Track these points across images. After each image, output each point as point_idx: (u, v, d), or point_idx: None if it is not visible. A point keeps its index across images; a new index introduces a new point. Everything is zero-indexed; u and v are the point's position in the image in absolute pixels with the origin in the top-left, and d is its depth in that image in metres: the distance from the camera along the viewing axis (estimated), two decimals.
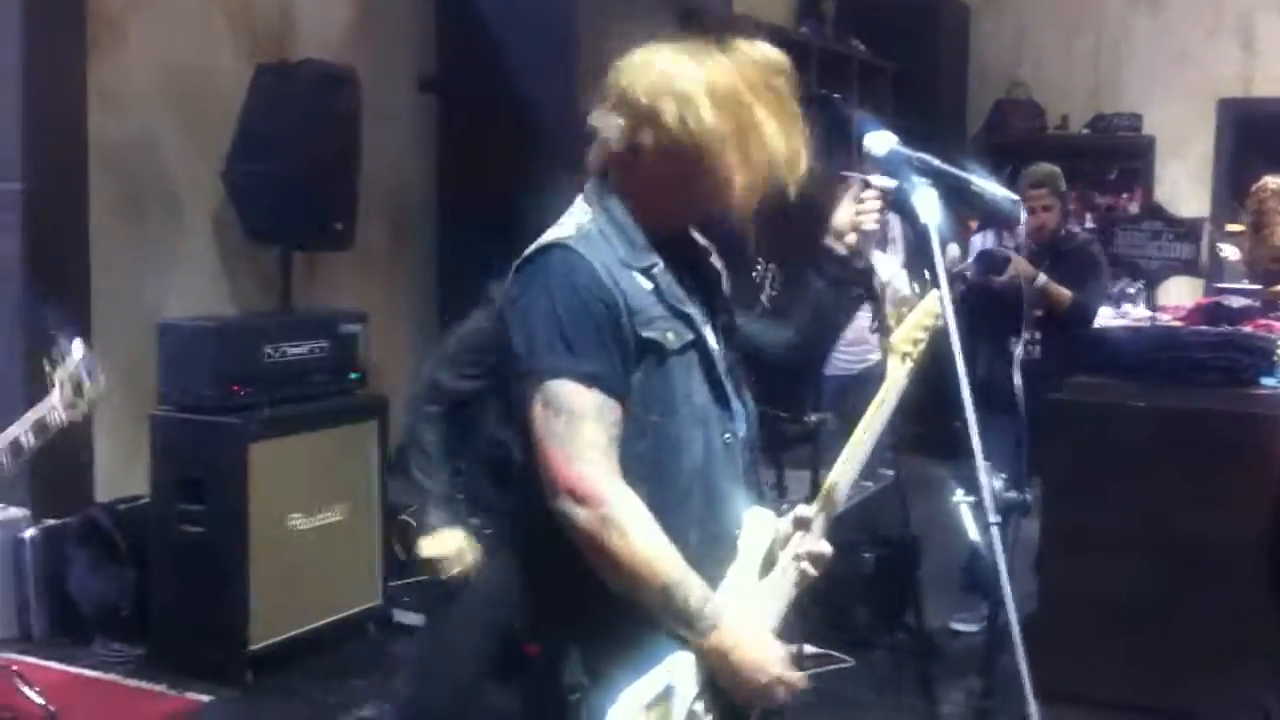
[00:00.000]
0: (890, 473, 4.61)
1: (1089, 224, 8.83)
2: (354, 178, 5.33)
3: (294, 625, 4.50)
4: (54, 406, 2.27)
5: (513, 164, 6.14)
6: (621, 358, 1.98)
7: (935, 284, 2.12)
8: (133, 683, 4.34)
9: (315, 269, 5.68)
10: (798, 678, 2.01)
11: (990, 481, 1.95)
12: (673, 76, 2.00)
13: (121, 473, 4.85)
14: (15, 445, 2.19)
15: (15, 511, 4.57)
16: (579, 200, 2.13)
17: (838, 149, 3.05)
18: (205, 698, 4.22)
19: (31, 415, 2.23)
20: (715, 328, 2.14)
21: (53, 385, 2.29)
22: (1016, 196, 2.41)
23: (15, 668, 3.99)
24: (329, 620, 4.64)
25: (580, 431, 1.94)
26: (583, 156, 2.17)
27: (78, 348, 2.39)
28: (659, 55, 2.04)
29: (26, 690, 3.90)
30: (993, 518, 1.92)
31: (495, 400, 3.12)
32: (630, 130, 2.03)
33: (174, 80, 5.23)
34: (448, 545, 3.16)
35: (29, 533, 4.60)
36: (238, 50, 5.44)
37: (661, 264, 2.07)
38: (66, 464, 4.68)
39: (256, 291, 5.46)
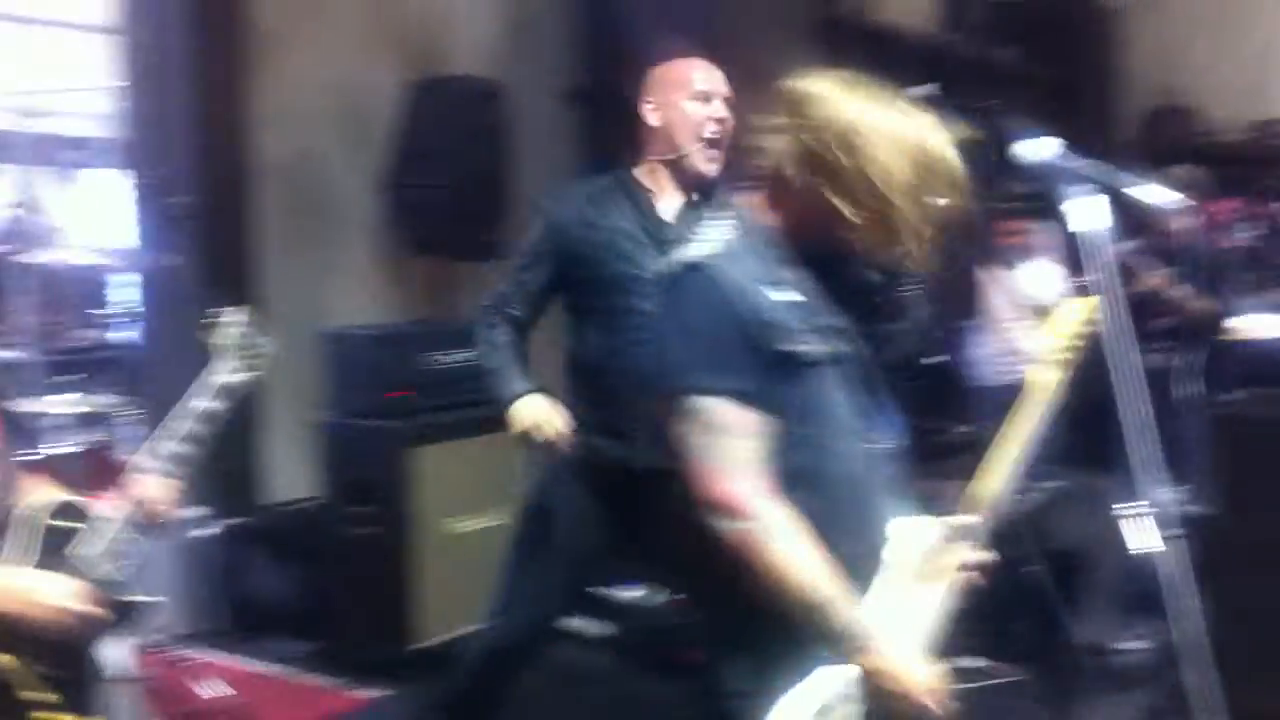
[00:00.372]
0: (1053, 484, 4.54)
1: (1254, 231, 8.57)
2: (504, 189, 5.47)
3: (459, 627, 4.62)
4: (217, 366, 2.44)
5: None
6: (766, 373, 2.01)
7: (1089, 291, 2.12)
8: (305, 678, 4.52)
9: (471, 278, 5.83)
10: (947, 694, 2.02)
11: (1161, 493, 1.96)
12: (861, 124, 2.01)
13: (293, 475, 5.05)
14: (195, 412, 2.35)
15: (196, 511, 4.78)
16: (723, 213, 2.16)
17: (989, 160, 3.06)
18: (372, 694, 4.37)
19: (211, 383, 2.38)
20: (863, 339, 2.16)
21: (214, 349, 2.46)
22: (1177, 200, 2.38)
23: (197, 661, 4.21)
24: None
25: (728, 447, 1.98)
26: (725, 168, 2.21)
27: (238, 315, 2.54)
28: (847, 96, 2.05)
29: (207, 681, 4.12)
30: (1167, 531, 1.92)
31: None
32: (799, 158, 2.05)
33: (334, 96, 5.42)
34: (534, 411, 3.20)
35: (208, 532, 4.82)
36: (393, 66, 5.61)
37: (806, 278, 2.09)
38: (242, 467, 4.92)
39: (416, 300, 5.63)
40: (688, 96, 3.26)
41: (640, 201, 3.28)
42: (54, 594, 2.11)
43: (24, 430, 2.56)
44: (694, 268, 2.06)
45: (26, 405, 4.02)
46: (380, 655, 4.48)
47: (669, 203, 3.29)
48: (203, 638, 4.68)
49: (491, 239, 5.41)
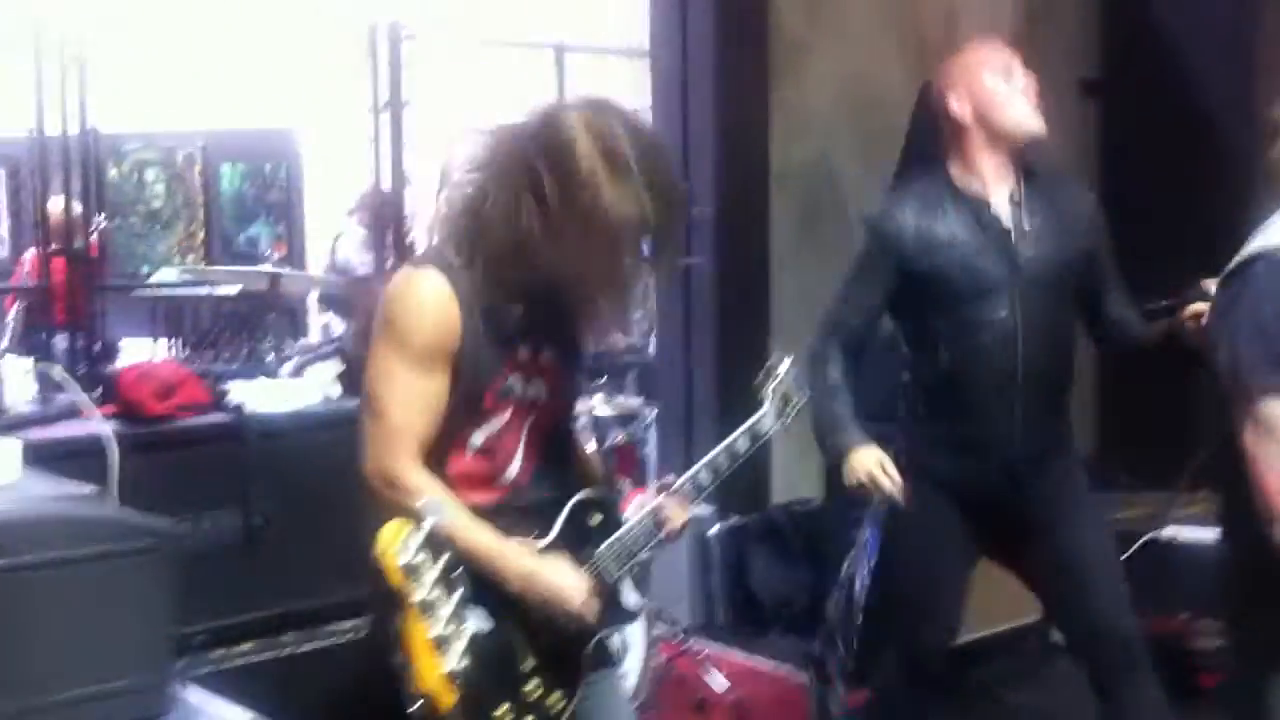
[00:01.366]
0: None
1: None
2: None
3: (962, 629, 4.58)
4: (764, 414, 2.53)
5: (1179, 169, 5.90)
6: None
7: None
8: (803, 676, 4.62)
9: None
10: None
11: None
12: None
13: (797, 477, 5.20)
14: (732, 450, 2.47)
15: (702, 510, 5.04)
16: None
17: None
18: (869, 694, 4.41)
19: (747, 424, 2.50)
20: None
21: (764, 397, 2.55)
22: None
23: (704, 653, 4.43)
24: (991, 631, 4.69)
25: None
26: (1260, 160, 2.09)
27: (787, 363, 2.64)
28: None
29: (713, 673, 4.33)
30: None
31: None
32: None
33: (849, 98, 5.53)
34: (870, 462, 3.13)
35: (714, 529, 5.08)
36: (906, 67, 5.64)
37: None
38: (747, 467, 5.11)
39: None
40: (989, 74, 3.15)
41: (970, 203, 3.14)
42: (565, 585, 2.20)
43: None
44: (1253, 261, 1.96)
45: None
46: (878, 659, 4.51)
47: (999, 198, 3.15)
48: (707, 631, 4.92)
49: None
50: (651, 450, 4.93)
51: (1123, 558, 5.04)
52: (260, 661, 3.02)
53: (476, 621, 2.14)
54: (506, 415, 2.23)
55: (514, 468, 2.26)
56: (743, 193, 5.34)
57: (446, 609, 2.04)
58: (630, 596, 2.39)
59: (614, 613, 2.34)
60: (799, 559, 4.94)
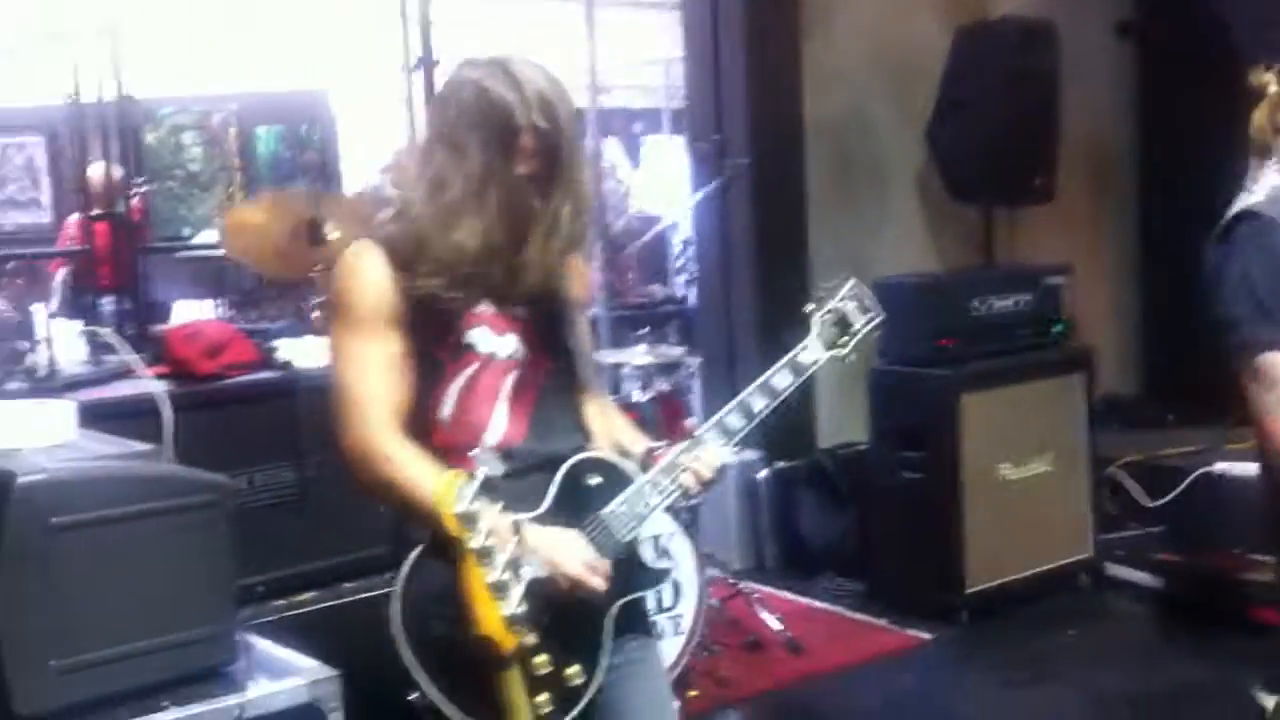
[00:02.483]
0: None
1: None
2: (1054, 132, 5.33)
3: (1007, 572, 4.60)
4: (807, 345, 2.37)
5: (1218, 111, 5.77)
6: None
7: None
8: (857, 616, 4.66)
9: (1017, 224, 5.73)
10: None
11: None
12: None
13: (843, 421, 5.21)
14: (768, 387, 2.33)
15: (750, 454, 5.05)
16: (1270, 163, 2.06)
17: None
18: (925, 635, 4.45)
19: (786, 358, 2.34)
20: None
21: (811, 325, 2.38)
22: None
23: (756, 594, 4.46)
24: (1041, 569, 4.71)
25: None
26: None
27: (851, 284, 2.36)
28: None
29: (765, 614, 4.36)
30: None
31: None
32: None
33: (880, 51, 5.51)
34: None
35: (762, 474, 5.10)
36: (938, 15, 5.60)
37: None
38: (799, 414, 5.14)
39: (960, 248, 5.63)
40: None
41: None
42: (561, 550, 2.11)
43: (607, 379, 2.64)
44: (1238, 220, 2.01)
45: (608, 357, 4.39)
46: (932, 598, 4.55)
47: None
48: (757, 573, 4.95)
49: (1038, 184, 5.30)
50: (696, 399, 4.94)
51: (1174, 494, 5.10)
52: (321, 610, 3.05)
53: (533, 569, 2.13)
54: (469, 372, 2.17)
55: (496, 429, 2.19)
56: (777, 143, 5.33)
57: (503, 556, 2.04)
58: (653, 556, 2.29)
59: (636, 576, 2.23)
60: (846, 503, 4.96)
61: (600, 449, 2.30)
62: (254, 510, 3.04)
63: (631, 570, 2.23)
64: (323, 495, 3.18)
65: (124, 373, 3.21)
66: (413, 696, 2.08)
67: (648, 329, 4.94)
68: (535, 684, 2.07)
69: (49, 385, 3.07)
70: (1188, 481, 5.05)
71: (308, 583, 3.11)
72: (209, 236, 5.51)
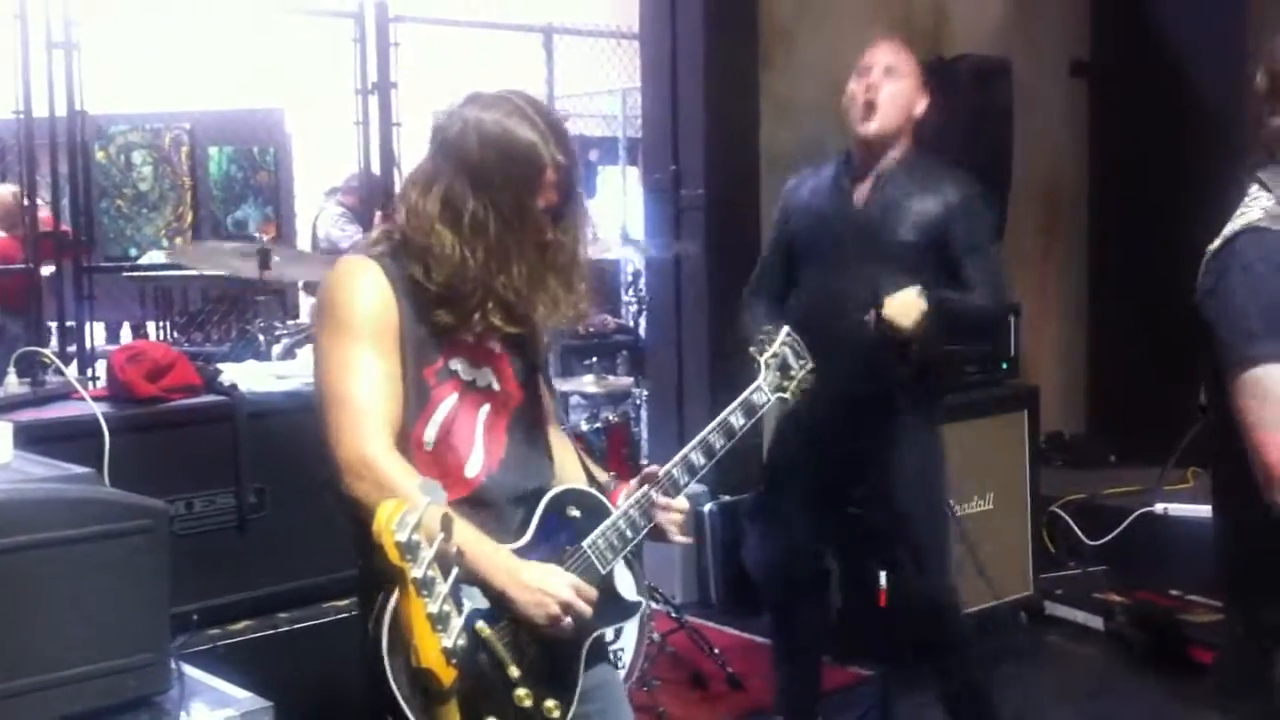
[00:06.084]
0: None
1: None
2: (1007, 171, 5.38)
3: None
4: (759, 388, 2.47)
5: (1169, 150, 5.92)
6: None
7: None
8: None
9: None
10: None
11: None
12: None
13: None
14: (726, 426, 2.40)
15: (696, 487, 5.04)
16: (1254, 187, 2.05)
17: None
18: (866, 671, 4.44)
19: (740, 398, 2.44)
20: None
21: (759, 369, 2.49)
22: None
23: (698, 629, 4.44)
24: (981, 607, 4.72)
25: None
26: (1249, 141, 2.10)
27: (785, 331, 2.58)
28: None
29: (708, 650, 4.34)
30: None
31: None
32: None
33: (838, 85, 5.45)
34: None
35: (708, 507, 5.09)
36: None
37: None
38: (739, 445, 5.11)
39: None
40: (854, 75, 3.66)
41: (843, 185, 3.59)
42: (549, 583, 2.11)
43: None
44: (1237, 236, 1.97)
45: (557, 385, 4.38)
46: (871, 635, 4.53)
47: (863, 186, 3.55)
48: (701, 607, 4.94)
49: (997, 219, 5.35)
50: (643, 429, 4.94)
51: (1115, 533, 5.14)
52: (255, 640, 3.01)
53: (472, 601, 2.12)
54: (452, 400, 2.19)
55: (475, 461, 2.21)
56: (733, 177, 5.34)
57: (443, 587, 2.02)
58: (628, 590, 2.33)
59: (611, 609, 2.26)
60: None
61: (577, 481, 2.33)
62: (192, 536, 3.01)
63: (607, 602, 2.24)
64: (262, 522, 3.15)
65: (64, 394, 3.17)
66: None
67: (594, 359, 4.93)
68: (518, 717, 2.11)
69: None
70: (1128, 521, 5.10)
71: (244, 611, 3.07)
72: (156, 257, 5.47)
